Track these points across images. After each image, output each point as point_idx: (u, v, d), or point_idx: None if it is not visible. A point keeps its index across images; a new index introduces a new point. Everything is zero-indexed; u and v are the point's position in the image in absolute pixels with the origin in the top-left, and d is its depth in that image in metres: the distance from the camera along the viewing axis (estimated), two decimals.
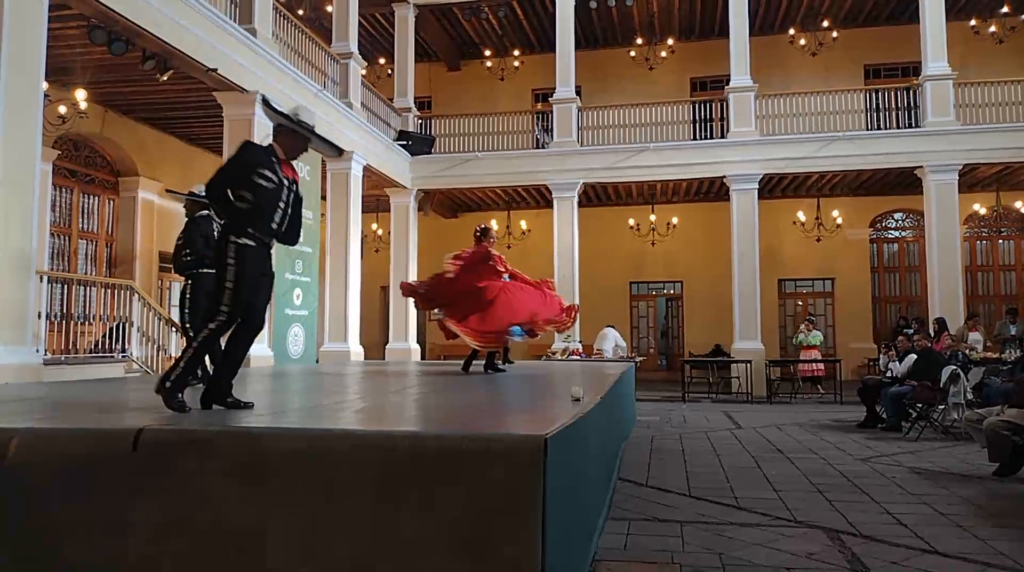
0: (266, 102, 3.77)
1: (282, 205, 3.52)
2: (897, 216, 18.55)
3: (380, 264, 16.87)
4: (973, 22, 16.60)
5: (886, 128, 14.87)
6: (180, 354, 3.42)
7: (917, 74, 15.08)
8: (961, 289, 14.03)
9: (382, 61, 18.67)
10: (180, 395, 3.26)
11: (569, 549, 2.79)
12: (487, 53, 19.08)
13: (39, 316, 7.78)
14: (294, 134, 3.60)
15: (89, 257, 12.40)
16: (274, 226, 3.50)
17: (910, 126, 14.67)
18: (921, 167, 14.27)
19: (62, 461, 2.55)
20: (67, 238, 11.93)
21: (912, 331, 10.86)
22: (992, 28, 16.61)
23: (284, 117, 3.59)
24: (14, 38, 6.65)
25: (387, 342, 15.96)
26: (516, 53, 18.97)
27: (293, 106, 3.78)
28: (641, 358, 15.79)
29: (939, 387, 8.37)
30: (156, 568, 2.43)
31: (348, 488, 2.38)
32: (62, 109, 9.92)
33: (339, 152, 4.02)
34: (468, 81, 19.55)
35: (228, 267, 3.33)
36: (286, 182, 3.53)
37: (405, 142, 15.76)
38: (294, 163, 3.66)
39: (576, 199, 15.64)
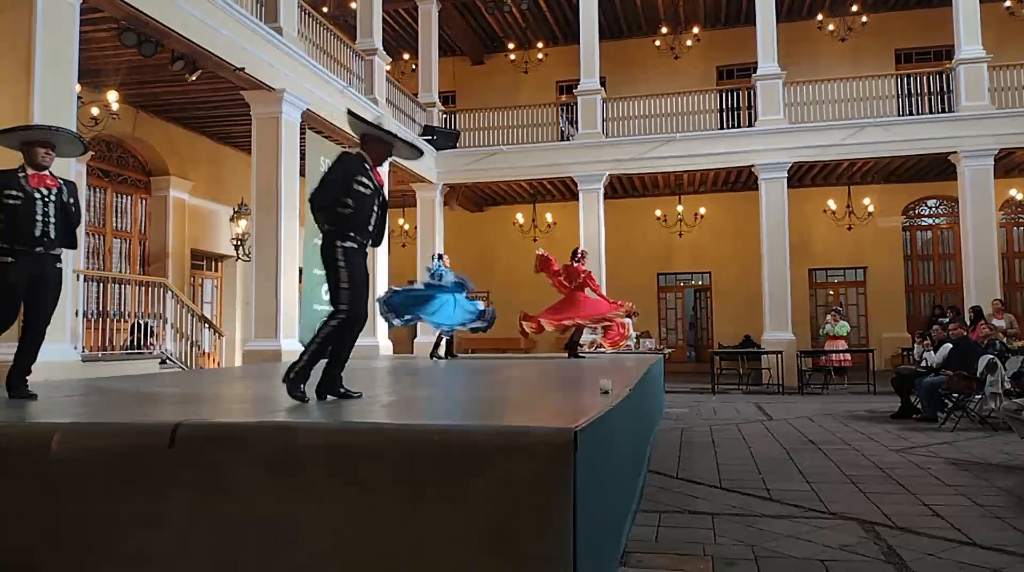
0: (351, 113, 3.97)
1: (376, 209, 3.76)
2: (931, 203, 18.18)
3: (407, 259, 16.95)
4: (1008, 3, 16.16)
5: (918, 114, 14.58)
6: (304, 347, 3.70)
7: (950, 58, 14.74)
8: (998, 277, 13.73)
9: (406, 57, 18.72)
10: (302, 386, 3.54)
11: (600, 542, 2.79)
12: (511, 46, 19.04)
13: (76, 314, 7.96)
14: (380, 142, 3.84)
15: (123, 255, 12.62)
16: (370, 229, 3.73)
17: (943, 111, 14.36)
18: (955, 153, 13.96)
19: (102, 456, 2.61)
20: (102, 237, 12.16)
21: (947, 320, 10.65)
22: None
23: (371, 126, 3.84)
24: (47, 42, 6.79)
25: (415, 336, 16.05)
26: (540, 45, 18.90)
27: (375, 116, 3.95)
28: (670, 350, 15.69)
29: (976, 376, 8.21)
30: (191, 560, 2.48)
31: (378, 482, 2.40)
32: (95, 111, 10.10)
33: (420, 153, 4.25)
34: (492, 75, 19.52)
35: (340, 269, 3.60)
36: (378, 188, 3.77)
37: (430, 137, 15.79)
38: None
39: (602, 191, 15.56)
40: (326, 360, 3.75)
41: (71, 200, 4.19)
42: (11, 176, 4.04)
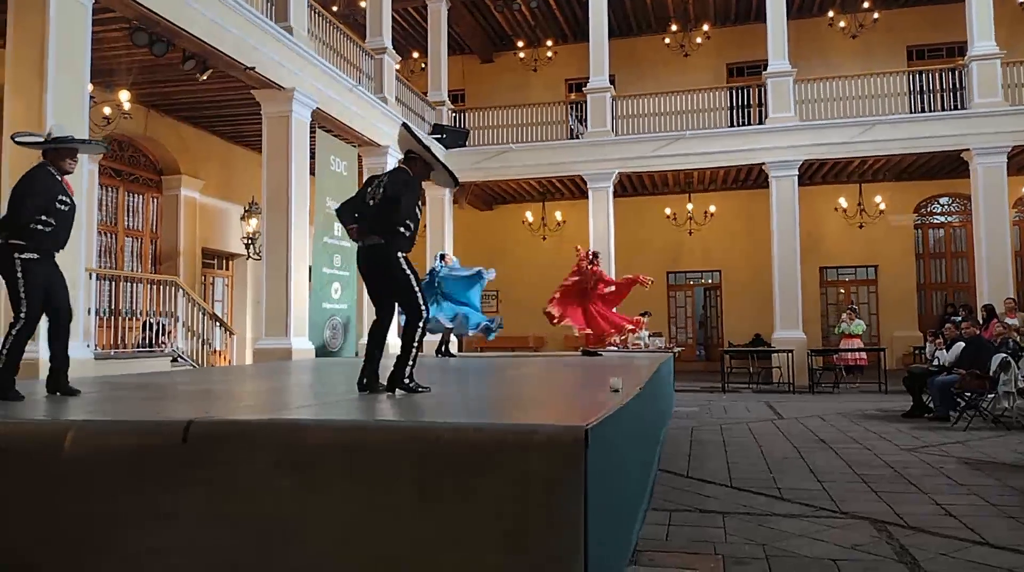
0: (407, 128, 4.08)
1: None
2: (943, 201, 18.05)
3: (417, 257, 16.87)
4: None
5: (930, 111, 14.48)
6: (401, 351, 4.01)
7: (962, 54, 14.63)
8: (1011, 275, 13.62)
9: (415, 55, 18.74)
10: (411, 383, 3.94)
11: (610, 540, 2.79)
12: (520, 44, 19.03)
13: (89, 312, 8.01)
14: (426, 164, 4.06)
15: (135, 254, 12.70)
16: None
17: (956, 108, 14.25)
18: (968, 150, 13.86)
19: (115, 453, 2.62)
20: (114, 236, 12.23)
21: (960, 319, 10.58)
22: None
23: (425, 148, 4.00)
24: (60, 42, 6.83)
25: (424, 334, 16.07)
26: (549, 43, 18.89)
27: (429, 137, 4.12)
28: (679, 349, 15.64)
29: (988, 375, 8.16)
30: (200, 557, 2.50)
31: (388, 479, 2.40)
32: (107, 110, 10.16)
33: (456, 183, 4.44)
34: (501, 73, 19.51)
35: (411, 275, 3.99)
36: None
37: (440, 135, 15.80)
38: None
39: (611, 189, 15.53)
40: (400, 356, 4.01)
41: None
42: (58, 182, 3.98)
